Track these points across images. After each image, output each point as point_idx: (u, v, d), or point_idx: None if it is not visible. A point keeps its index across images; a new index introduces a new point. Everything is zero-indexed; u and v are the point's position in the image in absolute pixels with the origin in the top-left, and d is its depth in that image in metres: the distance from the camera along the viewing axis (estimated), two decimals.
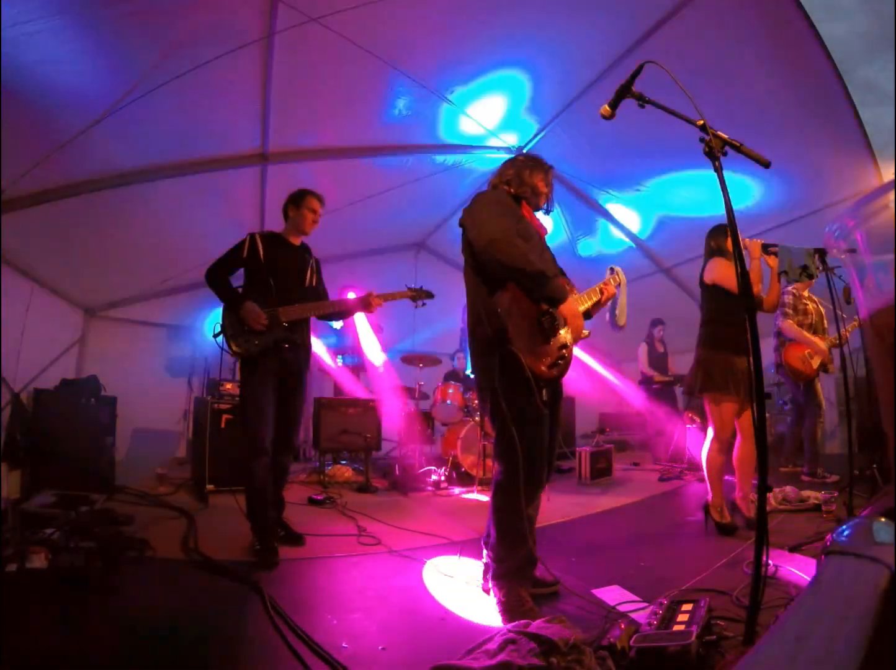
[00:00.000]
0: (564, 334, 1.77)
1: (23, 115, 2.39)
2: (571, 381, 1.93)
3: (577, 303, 1.83)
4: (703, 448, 2.67)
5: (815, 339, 3.78)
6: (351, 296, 3.70)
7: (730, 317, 2.52)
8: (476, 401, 4.54)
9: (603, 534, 2.73)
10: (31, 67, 2.27)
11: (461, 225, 1.86)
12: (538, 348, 1.70)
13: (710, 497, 2.61)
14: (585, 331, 1.81)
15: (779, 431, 5.06)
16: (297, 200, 2.54)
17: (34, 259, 3.50)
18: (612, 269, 2.04)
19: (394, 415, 4.99)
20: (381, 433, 4.51)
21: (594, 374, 6.28)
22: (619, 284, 2.02)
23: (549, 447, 1.86)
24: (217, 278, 2.43)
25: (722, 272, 2.62)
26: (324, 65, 2.94)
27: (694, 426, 4.79)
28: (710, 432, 2.63)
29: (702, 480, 2.91)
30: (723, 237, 2.72)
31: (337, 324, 5.39)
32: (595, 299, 1.95)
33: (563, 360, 1.76)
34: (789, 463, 4.25)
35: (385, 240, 5.70)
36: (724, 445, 2.59)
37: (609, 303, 2.01)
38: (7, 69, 2.16)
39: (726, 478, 2.63)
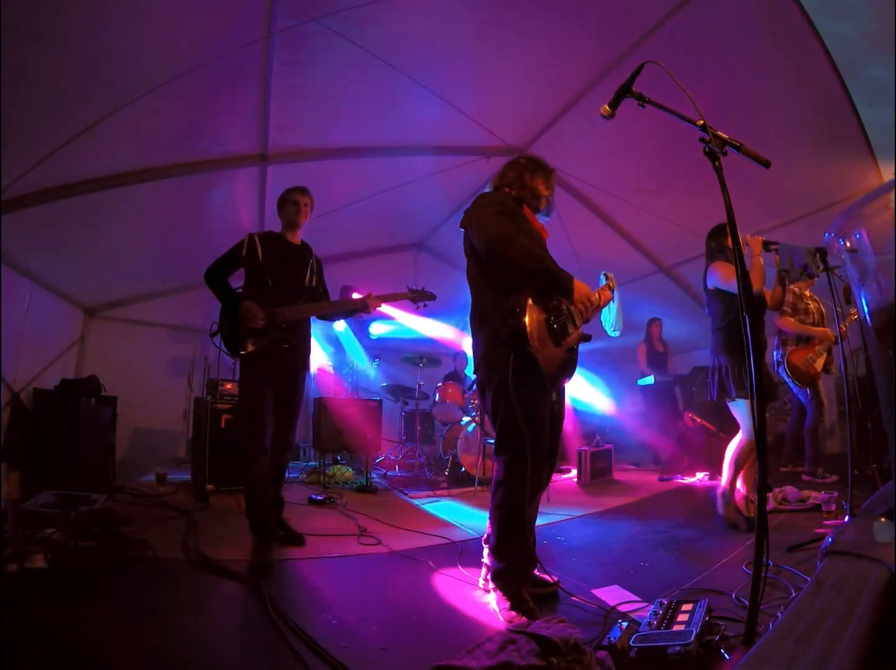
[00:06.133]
0: (572, 337, 1.79)
1: (23, 114, 2.39)
2: (571, 381, 1.96)
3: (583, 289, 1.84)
4: (731, 444, 2.70)
5: (816, 329, 3.76)
6: (356, 296, 3.71)
7: (737, 321, 2.53)
8: (476, 401, 4.54)
9: (603, 534, 2.73)
10: (31, 67, 2.27)
11: (463, 226, 1.87)
12: (550, 350, 1.71)
13: (724, 487, 2.68)
14: (587, 334, 1.84)
15: (779, 431, 5.05)
16: (281, 198, 2.65)
17: (34, 259, 3.49)
18: (605, 275, 2.07)
19: (394, 415, 4.98)
20: (381, 433, 4.51)
21: (594, 375, 6.27)
22: (613, 289, 2.05)
23: (551, 448, 1.86)
24: (216, 278, 2.47)
25: (724, 275, 2.62)
26: (324, 65, 2.94)
27: (694, 426, 4.79)
28: (741, 432, 2.66)
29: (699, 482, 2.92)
30: (723, 237, 2.71)
31: (338, 325, 5.38)
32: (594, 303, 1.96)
33: (571, 363, 1.80)
34: (789, 463, 4.25)
35: (385, 240, 5.69)
36: (753, 444, 2.61)
37: (605, 308, 2.04)
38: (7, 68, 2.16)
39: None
